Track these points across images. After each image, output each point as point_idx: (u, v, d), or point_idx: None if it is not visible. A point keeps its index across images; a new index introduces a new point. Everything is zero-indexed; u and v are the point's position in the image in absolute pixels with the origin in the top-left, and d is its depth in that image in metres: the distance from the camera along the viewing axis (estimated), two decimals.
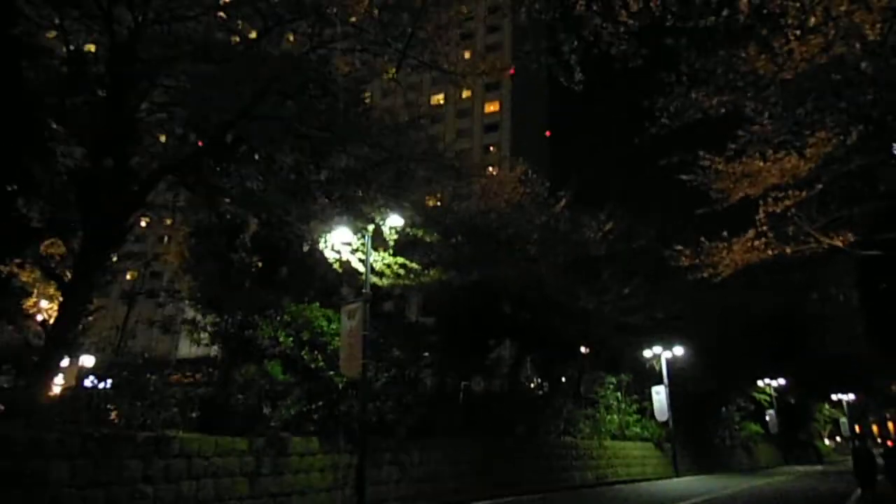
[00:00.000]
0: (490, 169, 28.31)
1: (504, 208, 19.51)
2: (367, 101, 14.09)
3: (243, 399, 12.69)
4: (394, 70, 11.68)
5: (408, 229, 13.53)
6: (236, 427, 12.69)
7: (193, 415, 12.74)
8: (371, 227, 12.69)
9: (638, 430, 29.12)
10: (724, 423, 39.67)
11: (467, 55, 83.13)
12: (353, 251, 13.37)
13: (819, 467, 43.23)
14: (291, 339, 13.99)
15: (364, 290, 12.79)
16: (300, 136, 12.14)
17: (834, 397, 56.68)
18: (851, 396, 57.54)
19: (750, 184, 12.95)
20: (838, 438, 66.40)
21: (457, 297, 20.91)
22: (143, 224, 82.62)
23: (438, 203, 21.12)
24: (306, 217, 12.68)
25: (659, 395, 28.51)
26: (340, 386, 14.22)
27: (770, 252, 13.67)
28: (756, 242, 13.51)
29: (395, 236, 13.34)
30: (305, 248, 13.65)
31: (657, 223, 23.59)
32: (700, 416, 34.90)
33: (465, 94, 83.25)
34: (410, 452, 16.70)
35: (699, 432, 34.93)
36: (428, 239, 13.55)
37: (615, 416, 28.13)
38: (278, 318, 14.09)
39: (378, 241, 13.10)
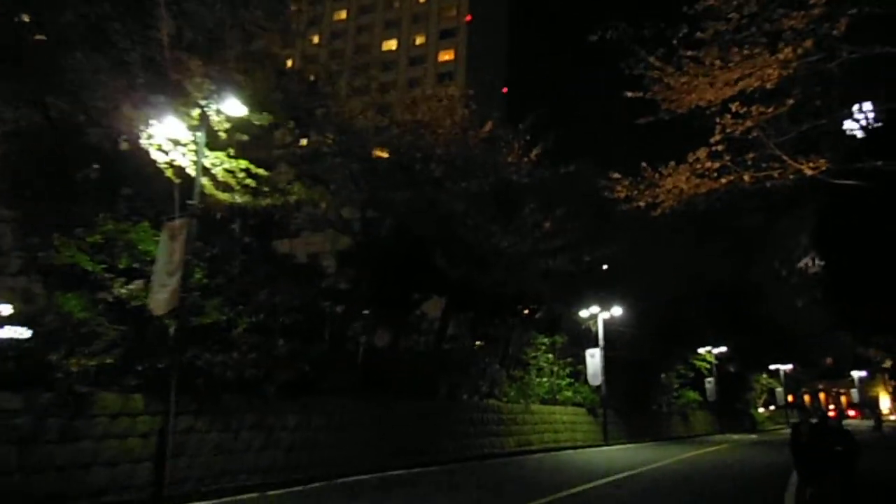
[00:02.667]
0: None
1: (410, 125, 16.18)
2: None
3: (17, 343, 9.35)
4: None
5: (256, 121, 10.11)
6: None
7: None
8: (196, 113, 9.33)
9: (570, 394, 26.96)
10: (662, 390, 38.19)
11: None
12: (186, 153, 9.97)
13: (753, 436, 42.62)
14: (103, 266, 10.60)
15: (189, 202, 9.49)
16: None
17: (772, 367, 56.50)
18: (789, 367, 57.53)
19: (708, 87, 10.08)
20: (772, 407, 67.04)
21: (384, 247, 17.83)
22: None
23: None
24: (114, 99, 9.24)
25: (593, 357, 26.25)
26: (172, 331, 10.98)
27: (723, 181, 10.93)
28: (708, 164, 10.70)
29: (227, 125, 9.93)
30: (125, 147, 10.19)
31: (596, 147, 20.34)
32: (638, 382, 33.05)
33: (419, 40, 78.64)
34: (283, 416, 13.78)
35: (636, 398, 33.18)
36: (257, 122, 10.15)
37: (545, 380, 25.83)
38: (86, 238, 10.65)
39: (212, 138, 9.73)
